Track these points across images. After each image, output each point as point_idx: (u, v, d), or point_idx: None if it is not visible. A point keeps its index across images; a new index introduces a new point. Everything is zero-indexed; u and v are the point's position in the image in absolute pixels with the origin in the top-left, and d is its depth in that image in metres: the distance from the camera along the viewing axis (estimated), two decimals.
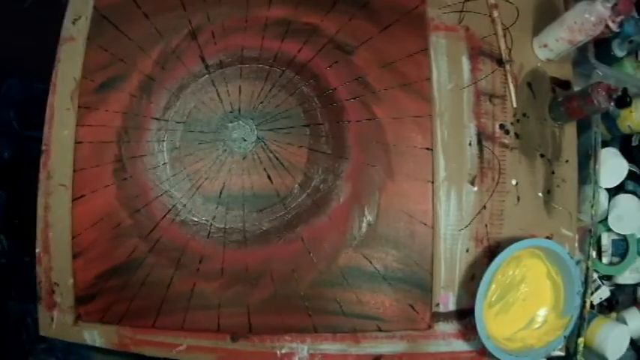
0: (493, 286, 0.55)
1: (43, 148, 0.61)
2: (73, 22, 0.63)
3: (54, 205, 0.60)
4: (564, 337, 0.55)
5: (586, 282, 0.58)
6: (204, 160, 0.57)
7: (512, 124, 0.59)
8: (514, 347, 0.55)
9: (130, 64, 0.60)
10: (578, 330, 0.57)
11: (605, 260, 0.66)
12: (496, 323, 0.55)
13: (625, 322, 0.64)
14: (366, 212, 0.56)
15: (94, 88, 0.60)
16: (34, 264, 0.60)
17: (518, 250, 0.54)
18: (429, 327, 0.55)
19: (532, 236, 0.57)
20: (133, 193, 0.57)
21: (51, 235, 0.59)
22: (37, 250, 0.60)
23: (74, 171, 0.59)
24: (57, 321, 0.60)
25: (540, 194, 0.59)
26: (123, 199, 0.58)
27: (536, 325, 0.57)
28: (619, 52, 0.65)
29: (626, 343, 0.60)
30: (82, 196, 0.58)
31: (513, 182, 0.58)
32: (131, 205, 0.57)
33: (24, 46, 0.87)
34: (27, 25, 0.91)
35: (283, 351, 0.56)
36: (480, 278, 0.57)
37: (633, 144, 0.68)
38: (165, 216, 0.57)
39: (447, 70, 0.59)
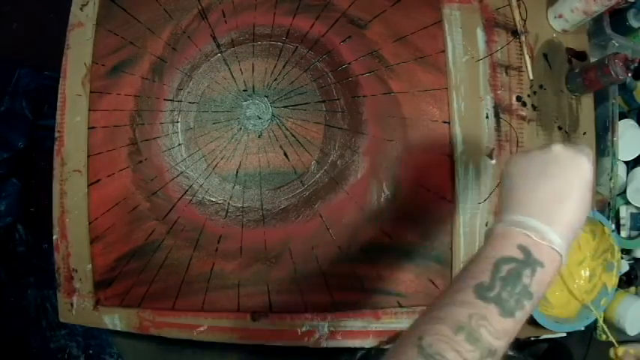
0: None
1: (56, 135, 0.61)
2: (81, 8, 0.63)
3: (69, 192, 0.60)
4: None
5: None
6: (219, 139, 0.57)
7: (528, 95, 0.58)
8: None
9: (141, 46, 0.59)
10: None
11: (623, 234, 0.65)
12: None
13: None
14: (385, 187, 0.55)
15: (105, 73, 0.60)
16: (52, 251, 0.60)
17: None
18: None
19: None
20: (148, 176, 0.57)
21: (68, 222, 0.59)
22: (54, 237, 0.60)
23: (88, 156, 0.59)
24: (77, 307, 0.60)
25: None
26: (139, 182, 0.57)
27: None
28: (635, 23, 0.64)
29: None
30: (98, 180, 0.58)
31: None
32: (147, 187, 0.57)
33: (34, 36, 0.87)
34: (37, 14, 0.91)
35: (304, 329, 0.56)
36: None
37: None
38: (182, 197, 0.57)
39: (462, 42, 0.58)
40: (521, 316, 0.27)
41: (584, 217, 0.31)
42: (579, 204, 0.30)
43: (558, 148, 0.32)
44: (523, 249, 0.28)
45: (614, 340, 0.53)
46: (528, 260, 0.28)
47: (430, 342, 0.25)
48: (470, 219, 0.56)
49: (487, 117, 0.57)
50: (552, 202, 0.30)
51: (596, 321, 0.60)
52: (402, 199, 0.55)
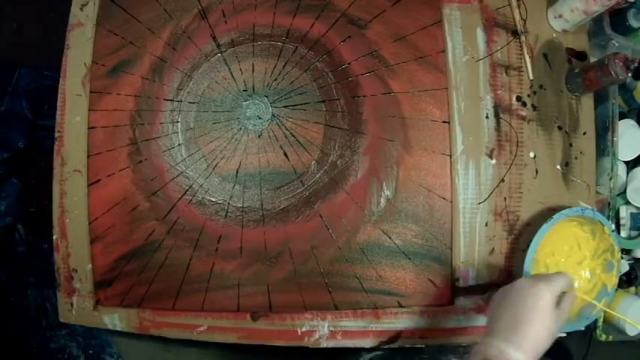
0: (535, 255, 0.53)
1: (56, 135, 0.61)
2: (81, 8, 0.63)
3: (69, 191, 0.60)
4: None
5: None
6: (219, 139, 0.57)
7: (528, 95, 0.58)
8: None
9: (141, 46, 0.59)
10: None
11: (623, 234, 0.65)
12: None
13: None
14: (385, 187, 0.55)
15: (105, 73, 0.60)
16: (52, 251, 0.60)
17: (562, 220, 0.53)
18: (450, 302, 0.55)
19: (551, 209, 0.57)
20: (148, 176, 0.57)
21: (68, 222, 0.59)
22: (54, 237, 0.60)
23: (88, 156, 0.59)
24: (77, 307, 0.60)
25: (558, 167, 0.58)
26: (139, 182, 0.57)
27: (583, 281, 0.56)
28: (635, 23, 0.64)
29: None
30: (98, 180, 0.58)
31: (531, 155, 0.58)
32: (147, 187, 0.57)
33: (34, 36, 0.87)
34: (37, 14, 0.91)
35: (304, 329, 0.56)
36: (500, 252, 0.57)
37: None
38: (182, 197, 0.57)
39: (462, 42, 0.58)
40: None
41: (547, 333, 0.39)
42: (539, 325, 0.39)
43: (521, 281, 0.43)
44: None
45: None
46: None
47: None
48: (470, 219, 0.56)
49: (487, 117, 0.57)
50: (513, 326, 0.39)
51: (596, 321, 0.60)
52: (402, 199, 0.55)
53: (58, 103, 0.61)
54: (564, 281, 0.43)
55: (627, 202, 0.64)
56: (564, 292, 0.44)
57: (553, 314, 0.40)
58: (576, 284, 0.57)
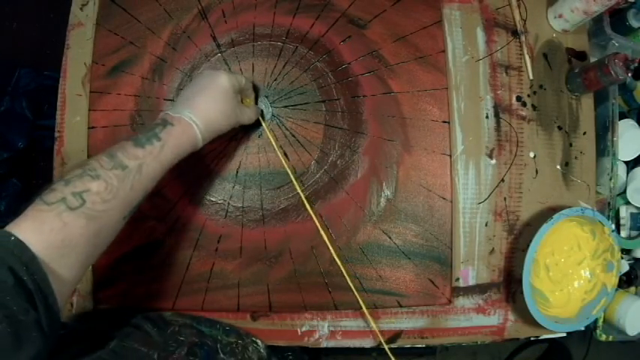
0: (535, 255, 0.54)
1: (56, 135, 0.61)
2: (81, 8, 0.63)
3: None
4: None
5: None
6: (219, 139, 0.56)
7: (528, 95, 0.58)
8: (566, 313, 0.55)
9: (141, 46, 0.59)
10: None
11: (623, 234, 0.65)
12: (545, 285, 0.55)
13: None
14: (384, 187, 0.55)
15: (105, 73, 0.60)
16: None
17: (562, 220, 0.53)
18: (449, 302, 0.55)
19: (551, 209, 0.57)
20: None
21: None
22: None
23: (88, 156, 0.59)
24: (76, 307, 0.60)
25: (558, 167, 0.58)
26: None
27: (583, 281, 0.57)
28: (635, 23, 0.64)
29: None
30: None
31: (531, 155, 0.58)
32: None
33: (34, 36, 0.87)
34: (37, 14, 0.91)
35: (304, 329, 0.56)
36: (500, 252, 0.57)
37: None
38: (181, 197, 0.56)
39: (462, 42, 0.58)
40: (150, 149, 0.39)
41: (219, 113, 0.45)
42: (212, 101, 0.44)
43: (206, 68, 0.51)
44: (162, 118, 0.42)
45: None
46: (163, 123, 0.41)
47: (90, 161, 0.37)
48: (470, 219, 0.56)
49: (487, 117, 0.57)
50: (188, 97, 0.44)
51: (596, 321, 0.60)
52: (401, 199, 0.55)
53: (58, 103, 0.61)
54: (246, 80, 0.49)
55: (627, 202, 0.64)
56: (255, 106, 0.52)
57: (229, 100, 0.45)
58: (576, 284, 0.57)
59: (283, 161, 0.54)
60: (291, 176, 0.54)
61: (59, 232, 0.32)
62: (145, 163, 0.38)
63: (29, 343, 0.29)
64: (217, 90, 0.45)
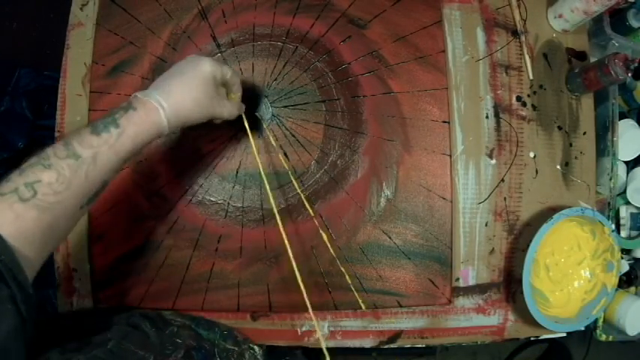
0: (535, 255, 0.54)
1: (56, 135, 0.61)
2: (81, 8, 0.63)
3: None
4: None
5: None
6: (219, 139, 0.57)
7: (528, 95, 0.58)
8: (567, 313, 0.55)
9: (141, 46, 0.59)
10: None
11: (623, 234, 0.65)
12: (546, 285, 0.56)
13: None
14: (384, 187, 0.55)
15: (105, 73, 0.60)
16: None
17: (562, 220, 0.53)
18: (449, 302, 0.55)
19: (551, 209, 0.57)
20: (148, 176, 0.57)
21: None
22: None
23: None
24: (76, 307, 0.60)
25: (558, 167, 0.58)
26: (139, 182, 0.57)
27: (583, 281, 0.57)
28: (635, 23, 0.64)
29: None
30: None
31: (531, 155, 0.58)
32: (147, 187, 0.57)
33: (34, 36, 0.86)
34: (37, 14, 0.91)
35: (304, 329, 0.56)
36: (500, 252, 0.57)
37: None
38: (181, 197, 0.57)
39: (462, 42, 0.58)
40: (106, 137, 0.37)
41: (192, 101, 0.41)
42: (186, 87, 0.41)
43: (191, 55, 0.45)
44: (129, 101, 0.40)
45: None
46: (127, 107, 0.39)
47: (46, 149, 0.35)
48: (470, 219, 0.56)
49: (487, 117, 0.57)
50: (163, 79, 0.42)
51: (596, 321, 0.60)
52: (401, 199, 0.55)
53: (58, 103, 0.61)
54: (233, 73, 0.46)
55: (627, 202, 0.64)
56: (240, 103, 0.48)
57: (208, 89, 0.42)
58: (576, 284, 0.57)
59: (283, 161, 0.54)
60: (292, 176, 0.54)
61: (12, 224, 0.31)
62: (99, 152, 0.36)
63: (5, 315, 0.28)
64: (196, 76, 0.42)
